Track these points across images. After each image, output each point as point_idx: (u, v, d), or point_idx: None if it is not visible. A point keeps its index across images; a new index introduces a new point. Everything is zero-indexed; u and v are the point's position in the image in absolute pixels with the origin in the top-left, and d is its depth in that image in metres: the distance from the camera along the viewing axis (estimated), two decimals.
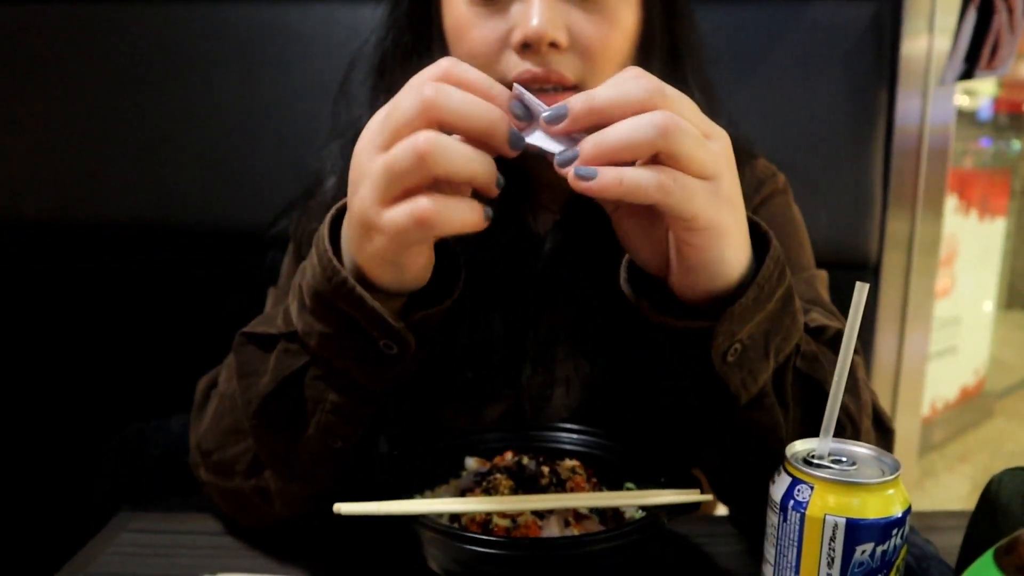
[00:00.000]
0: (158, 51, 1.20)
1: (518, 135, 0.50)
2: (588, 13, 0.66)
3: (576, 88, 0.67)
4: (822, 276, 0.82)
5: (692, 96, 0.74)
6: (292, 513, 0.66)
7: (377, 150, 0.49)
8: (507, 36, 0.66)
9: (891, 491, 0.48)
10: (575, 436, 0.70)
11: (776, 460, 0.51)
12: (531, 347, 0.76)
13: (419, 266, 0.54)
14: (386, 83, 0.77)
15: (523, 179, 0.76)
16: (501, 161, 0.72)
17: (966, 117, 3.43)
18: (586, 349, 0.76)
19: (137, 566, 0.65)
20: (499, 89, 0.50)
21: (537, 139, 0.51)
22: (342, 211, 0.56)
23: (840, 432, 0.61)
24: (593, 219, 0.74)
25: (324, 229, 0.56)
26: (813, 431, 0.52)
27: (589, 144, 0.48)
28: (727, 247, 0.52)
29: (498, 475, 0.63)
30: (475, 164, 0.48)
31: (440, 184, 0.48)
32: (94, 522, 0.73)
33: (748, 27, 1.21)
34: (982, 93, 3.57)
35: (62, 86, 1.21)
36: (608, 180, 0.47)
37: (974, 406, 3.11)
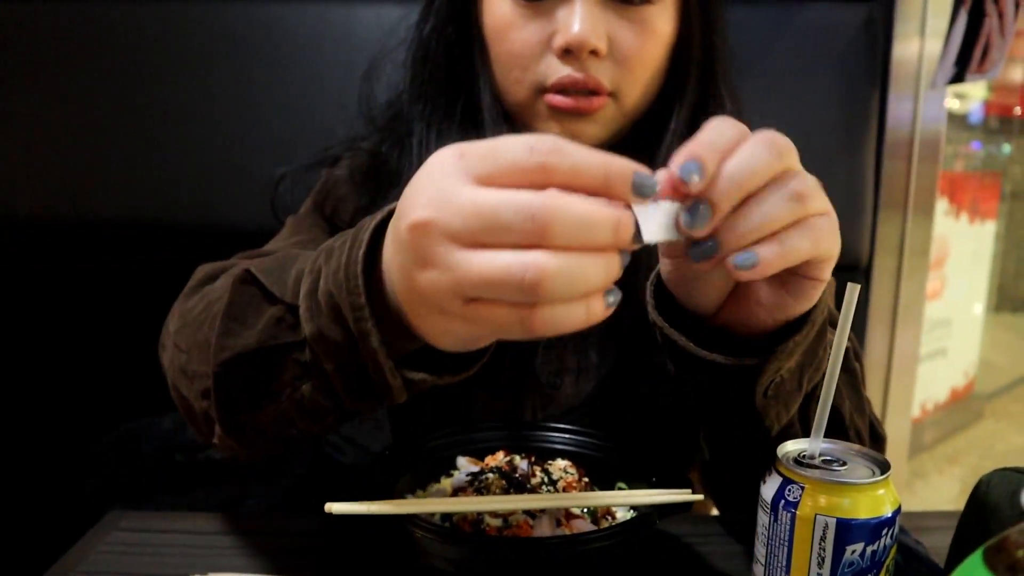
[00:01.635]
0: (153, 49, 1.20)
1: (644, 180, 0.40)
2: (628, 22, 0.67)
3: (611, 95, 0.68)
4: (830, 284, 0.82)
5: (724, 105, 0.75)
6: (230, 456, 0.64)
7: (463, 246, 0.39)
8: (548, 39, 0.67)
9: (881, 491, 0.48)
10: (567, 436, 0.70)
11: None
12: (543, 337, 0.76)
13: (474, 343, 0.47)
14: (427, 73, 0.76)
15: None
16: None
17: (957, 120, 3.45)
18: (596, 339, 0.76)
19: (128, 564, 0.65)
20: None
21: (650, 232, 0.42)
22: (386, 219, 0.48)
23: None
24: None
25: (365, 237, 0.49)
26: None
27: (729, 234, 0.44)
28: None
29: (490, 475, 0.63)
30: (603, 228, 0.38)
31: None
32: (85, 520, 0.72)
33: (740, 29, 1.20)
34: (973, 96, 3.60)
35: (56, 84, 1.21)
36: (773, 259, 0.44)
37: (964, 408, 3.13)
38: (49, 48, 1.20)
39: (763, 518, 0.50)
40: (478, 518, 0.59)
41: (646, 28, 0.68)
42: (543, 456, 0.68)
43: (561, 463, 0.66)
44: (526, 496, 0.60)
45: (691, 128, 0.73)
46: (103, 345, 1.28)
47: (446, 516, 0.60)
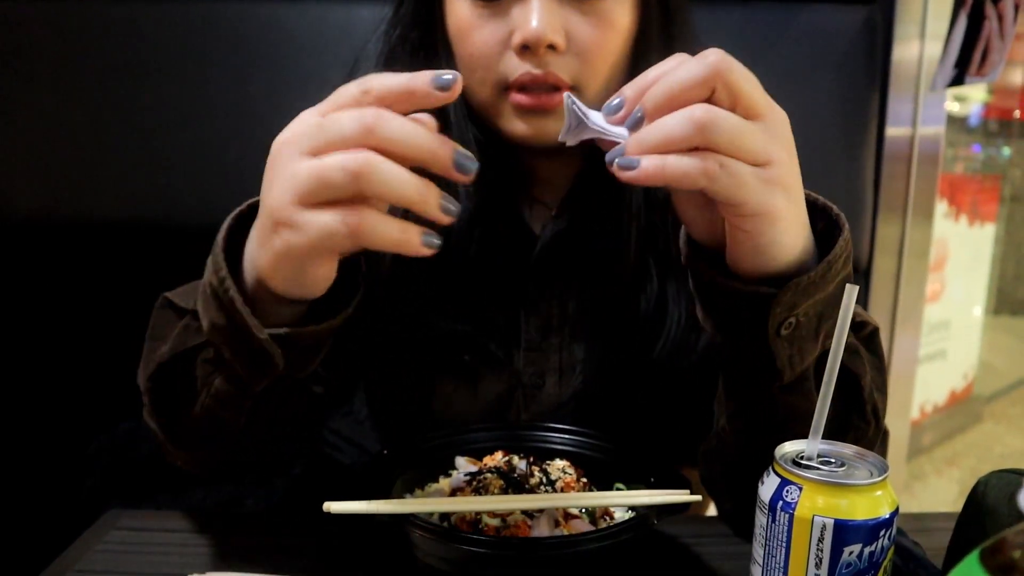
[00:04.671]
0: (152, 48, 1.20)
1: (464, 161, 0.49)
2: (585, 16, 0.68)
3: (573, 89, 0.69)
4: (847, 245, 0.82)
5: None
6: (189, 469, 0.69)
7: (304, 153, 0.49)
8: (507, 38, 0.68)
9: (879, 492, 0.48)
10: (565, 436, 0.70)
11: None
12: (525, 335, 0.77)
13: (319, 276, 0.53)
14: None
15: (520, 175, 0.78)
16: (502, 158, 0.73)
17: (957, 123, 3.45)
18: (579, 338, 0.77)
19: (125, 563, 0.65)
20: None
21: (590, 134, 0.53)
22: (252, 209, 0.56)
23: (862, 430, 0.63)
24: (587, 215, 0.75)
25: (228, 222, 0.57)
26: (841, 427, 0.55)
27: (632, 141, 0.49)
28: (781, 232, 0.52)
29: (488, 475, 0.63)
30: (410, 189, 0.47)
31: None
32: (83, 519, 0.72)
33: (740, 31, 1.21)
34: (973, 99, 3.60)
35: (56, 83, 1.21)
36: (650, 169, 0.48)
37: (963, 410, 3.13)
38: (49, 47, 1.20)
39: (761, 519, 0.50)
40: (476, 518, 0.59)
41: (604, 21, 0.69)
42: (541, 456, 0.68)
43: (559, 463, 0.66)
44: (524, 496, 0.60)
45: None
46: (101, 345, 1.27)
47: (444, 516, 0.60)
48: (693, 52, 0.50)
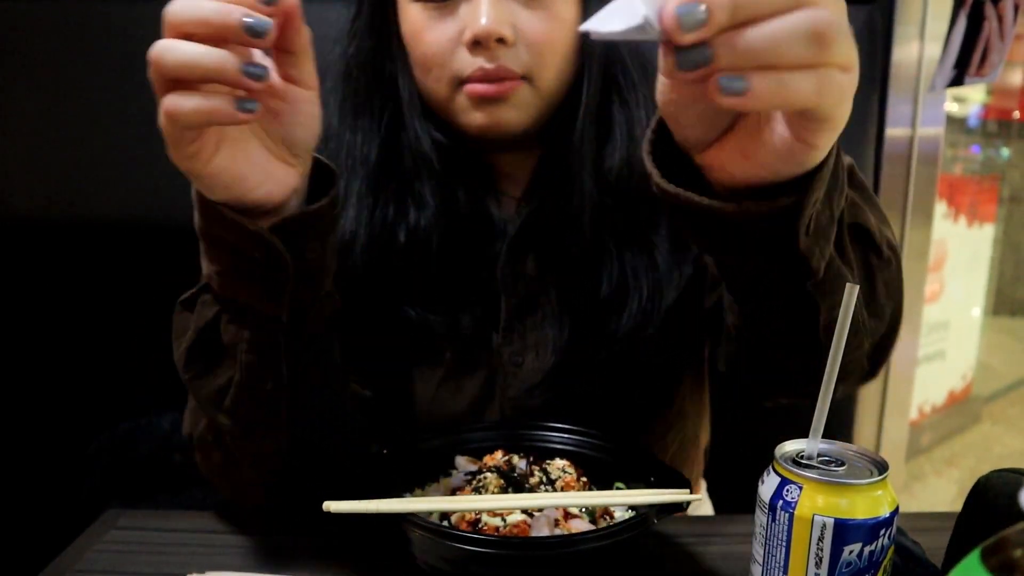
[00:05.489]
0: (148, 48, 1.20)
1: (253, 24, 0.49)
2: (531, 10, 0.71)
3: (525, 79, 0.72)
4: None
5: (634, 85, 0.79)
6: (261, 474, 0.69)
7: None
8: (459, 36, 0.71)
9: (879, 492, 0.48)
10: (565, 435, 0.70)
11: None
12: (504, 316, 0.79)
13: (216, 169, 0.55)
14: (352, 88, 0.81)
15: (484, 169, 0.81)
16: (465, 156, 0.77)
17: (956, 124, 3.46)
18: (550, 317, 0.79)
19: (125, 563, 0.65)
20: None
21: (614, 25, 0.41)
22: None
23: (886, 268, 0.62)
24: (547, 202, 0.77)
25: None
26: (868, 275, 0.57)
27: (726, 49, 0.39)
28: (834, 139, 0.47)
29: (488, 474, 0.63)
30: (205, 59, 0.49)
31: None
32: (83, 519, 0.72)
33: None
34: (972, 100, 3.60)
35: (54, 83, 1.20)
36: (766, 93, 0.40)
37: (962, 410, 3.13)
38: (48, 47, 1.20)
39: (761, 518, 0.50)
40: (476, 517, 0.59)
41: (550, 14, 0.71)
42: (541, 455, 0.68)
43: (559, 463, 0.66)
44: (524, 495, 0.61)
45: (601, 109, 0.77)
46: (101, 345, 1.27)
47: (444, 515, 0.60)
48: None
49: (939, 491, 2.72)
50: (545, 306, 0.80)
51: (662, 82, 0.47)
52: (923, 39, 1.34)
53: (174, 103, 0.50)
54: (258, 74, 0.51)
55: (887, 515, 0.48)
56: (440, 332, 0.79)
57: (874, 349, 0.66)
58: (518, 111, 0.73)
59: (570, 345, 0.78)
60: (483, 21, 0.68)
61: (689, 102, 0.47)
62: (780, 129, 0.46)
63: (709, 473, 1.01)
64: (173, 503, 1.04)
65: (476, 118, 0.73)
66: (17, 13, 1.20)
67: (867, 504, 0.47)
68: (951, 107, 3.18)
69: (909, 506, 2.52)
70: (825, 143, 0.46)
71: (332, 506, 0.55)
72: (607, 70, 0.78)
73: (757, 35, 0.39)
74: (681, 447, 0.86)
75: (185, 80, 0.50)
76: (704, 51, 0.40)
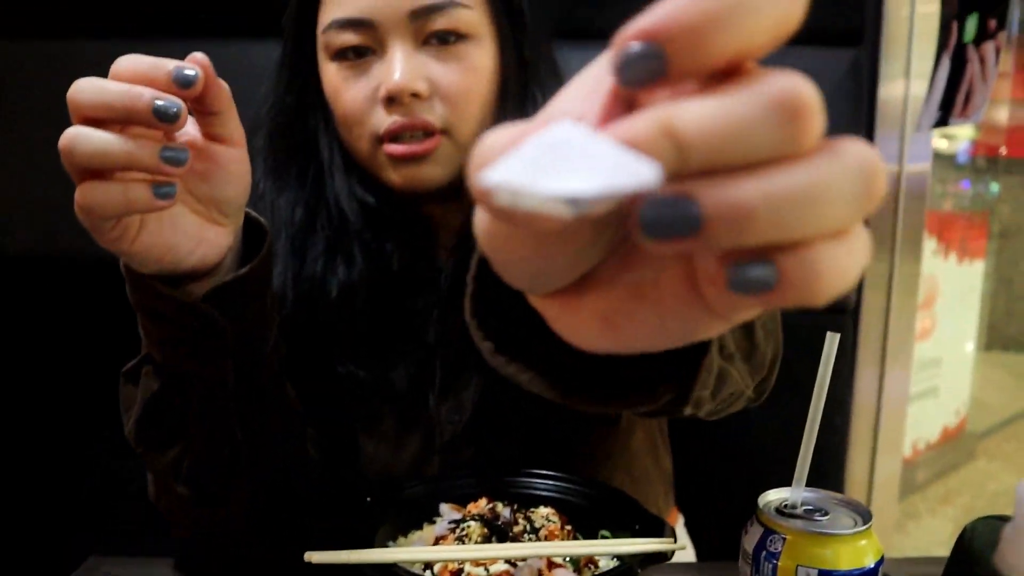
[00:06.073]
0: None
1: (164, 107, 0.47)
2: (445, 63, 0.71)
3: (444, 133, 0.72)
4: None
5: None
6: (230, 531, 0.69)
7: None
8: (375, 93, 0.71)
9: (863, 542, 0.48)
10: (551, 482, 0.70)
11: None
12: (437, 377, 0.79)
13: (141, 246, 0.54)
14: (276, 146, 0.80)
15: (419, 221, 0.80)
16: (403, 209, 0.77)
17: (945, 160, 3.49)
18: (487, 374, 0.77)
19: None
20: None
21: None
22: None
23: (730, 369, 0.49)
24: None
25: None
26: (747, 329, 0.50)
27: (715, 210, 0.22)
28: None
29: (471, 522, 0.63)
30: (116, 149, 0.48)
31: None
32: (68, 564, 0.72)
33: None
34: (960, 136, 3.64)
35: (49, 119, 1.21)
36: (806, 280, 0.23)
37: (956, 447, 3.12)
38: (44, 84, 1.21)
39: (744, 569, 0.50)
40: (460, 567, 0.58)
41: (464, 65, 0.71)
42: (526, 503, 0.67)
43: (544, 511, 0.66)
44: (508, 545, 0.60)
45: None
46: (92, 382, 1.27)
47: (427, 565, 0.60)
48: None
49: (934, 530, 2.70)
50: (480, 363, 0.78)
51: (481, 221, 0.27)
52: (909, 76, 1.35)
53: (86, 196, 0.49)
54: (177, 159, 0.49)
55: (872, 565, 0.47)
56: (373, 390, 0.78)
57: (757, 385, 0.59)
58: (439, 166, 0.72)
59: (494, 398, 0.77)
60: (396, 77, 0.68)
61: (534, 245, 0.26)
62: (679, 291, 0.25)
63: (690, 512, 1.00)
64: (157, 546, 1.03)
65: (394, 177, 0.72)
66: (15, 51, 1.21)
67: (851, 554, 0.47)
68: (939, 144, 3.21)
69: (904, 545, 2.51)
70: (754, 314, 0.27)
71: (314, 557, 0.54)
72: (527, 115, 0.77)
73: (788, 184, 0.22)
74: (638, 483, 0.84)
75: (98, 170, 0.49)
76: (688, 206, 0.21)
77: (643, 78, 0.22)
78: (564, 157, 0.21)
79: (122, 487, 1.10)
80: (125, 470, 1.12)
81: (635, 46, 0.22)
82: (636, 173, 0.21)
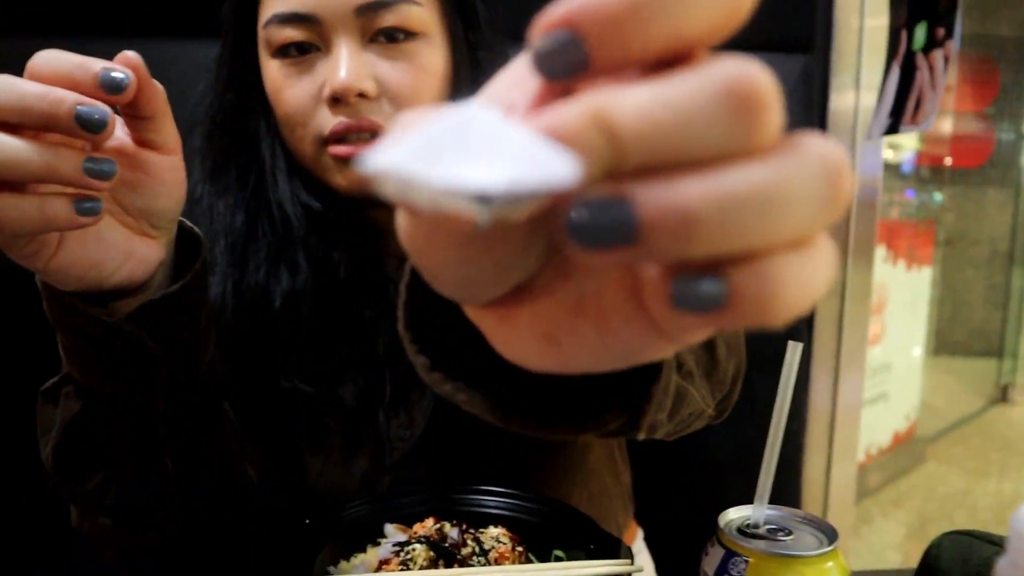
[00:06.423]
0: None
1: (88, 114, 0.42)
2: (393, 61, 0.67)
3: None
4: None
5: None
6: (160, 559, 0.65)
7: None
8: (319, 93, 0.67)
9: (829, 563, 0.45)
10: (501, 499, 0.66)
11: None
12: (387, 391, 0.74)
13: (71, 261, 0.48)
14: (214, 146, 0.75)
15: (369, 228, 0.75)
16: (351, 214, 0.72)
17: (891, 169, 3.56)
18: (416, 382, 0.74)
19: None
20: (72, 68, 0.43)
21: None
22: None
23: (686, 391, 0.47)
24: None
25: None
26: (708, 346, 0.50)
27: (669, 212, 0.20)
28: None
29: (417, 545, 0.59)
30: (34, 160, 0.42)
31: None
32: None
33: None
34: (905, 147, 3.73)
35: None
36: (757, 298, 0.20)
37: (907, 451, 3.17)
38: None
39: None
40: None
41: (414, 64, 0.68)
42: (475, 522, 0.64)
43: (494, 531, 0.62)
44: (455, 571, 0.56)
45: None
46: (11, 399, 1.20)
47: None
48: None
49: (887, 533, 2.73)
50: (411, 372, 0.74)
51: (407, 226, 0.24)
52: (859, 88, 1.36)
53: (7, 211, 0.42)
54: (103, 172, 0.43)
55: None
56: (319, 406, 0.73)
57: (719, 402, 0.59)
58: None
59: (458, 417, 0.73)
60: (342, 75, 0.64)
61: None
62: (623, 307, 0.22)
63: (649, 525, 0.98)
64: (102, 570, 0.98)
65: (339, 179, 0.69)
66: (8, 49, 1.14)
67: None
68: (886, 154, 3.27)
69: (859, 548, 2.53)
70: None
71: None
72: None
73: (739, 185, 0.19)
74: (597, 500, 0.81)
75: (12, 182, 0.42)
76: (623, 208, 0.19)
77: (564, 70, 0.19)
78: (468, 144, 0.18)
79: (54, 505, 1.04)
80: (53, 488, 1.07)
81: (552, 36, 0.19)
82: (554, 168, 0.18)
